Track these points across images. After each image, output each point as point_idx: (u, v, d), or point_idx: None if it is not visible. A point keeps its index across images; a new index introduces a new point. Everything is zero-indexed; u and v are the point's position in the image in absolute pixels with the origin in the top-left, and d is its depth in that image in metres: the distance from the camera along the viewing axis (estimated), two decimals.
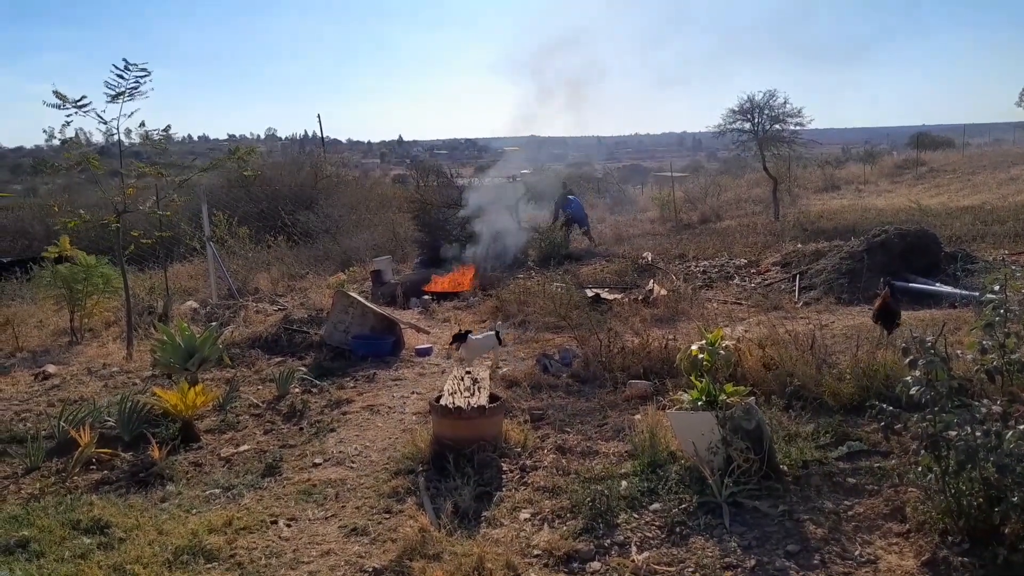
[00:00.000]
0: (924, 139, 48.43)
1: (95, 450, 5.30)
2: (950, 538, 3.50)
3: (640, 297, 10.13)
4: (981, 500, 3.43)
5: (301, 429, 5.95)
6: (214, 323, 9.03)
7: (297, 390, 6.89)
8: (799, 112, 20.49)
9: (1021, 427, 3.37)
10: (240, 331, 8.94)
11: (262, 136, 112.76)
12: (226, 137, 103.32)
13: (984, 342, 3.68)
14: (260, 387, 7.12)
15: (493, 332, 6.42)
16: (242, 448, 5.59)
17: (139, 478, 5.01)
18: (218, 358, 7.16)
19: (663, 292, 10.12)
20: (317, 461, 5.22)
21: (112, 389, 7.12)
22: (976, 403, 3.52)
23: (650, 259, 13.30)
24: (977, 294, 5.02)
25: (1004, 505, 3.34)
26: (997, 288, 3.64)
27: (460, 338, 6.14)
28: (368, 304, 8.49)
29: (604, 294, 10.45)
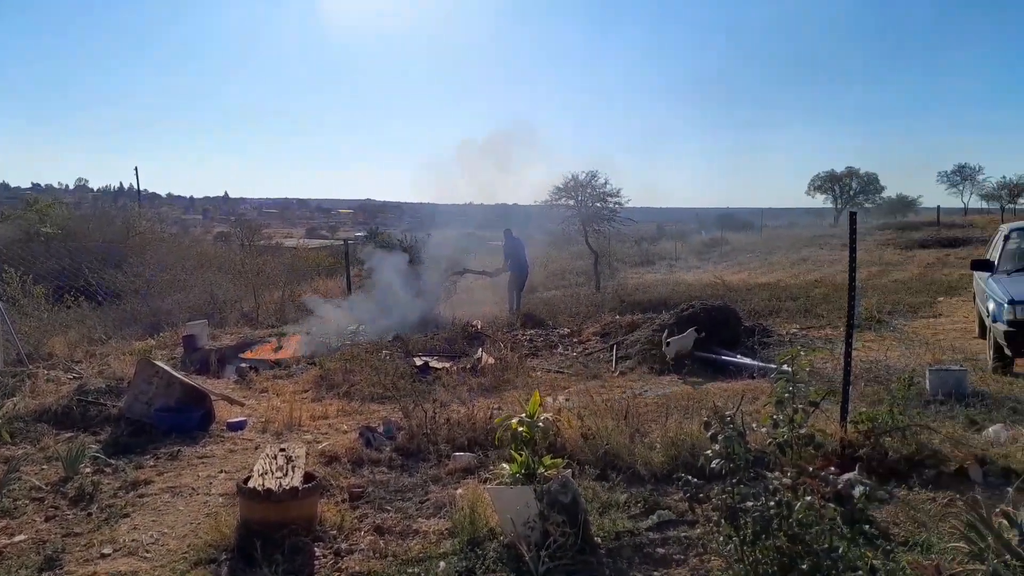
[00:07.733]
0: (728, 220, 53.45)
1: None
2: None
3: (468, 366, 10.17)
4: (776, 568, 3.63)
5: (90, 515, 5.36)
6: None
7: (88, 470, 6.22)
8: (618, 192, 21.87)
9: (808, 498, 3.63)
10: (26, 402, 8.02)
11: (71, 186, 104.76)
12: (30, 186, 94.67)
13: (775, 417, 3.98)
14: (45, 467, 6.38)
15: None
16: (17, 539, 4.94)
17: None
18: None
19: (491, 361, 10.23)
20: (106, 551, 4.70)
21: None
22: (769, 474, 3.77)
23: (479, 327, 13.45)
24: (772, 366, 5.45)
25: (795, 573, 3.56)
26: (785, 367, 3.96)
27: None
28: (175, 373, 7.91)
29: (433, 362, 10.42)
